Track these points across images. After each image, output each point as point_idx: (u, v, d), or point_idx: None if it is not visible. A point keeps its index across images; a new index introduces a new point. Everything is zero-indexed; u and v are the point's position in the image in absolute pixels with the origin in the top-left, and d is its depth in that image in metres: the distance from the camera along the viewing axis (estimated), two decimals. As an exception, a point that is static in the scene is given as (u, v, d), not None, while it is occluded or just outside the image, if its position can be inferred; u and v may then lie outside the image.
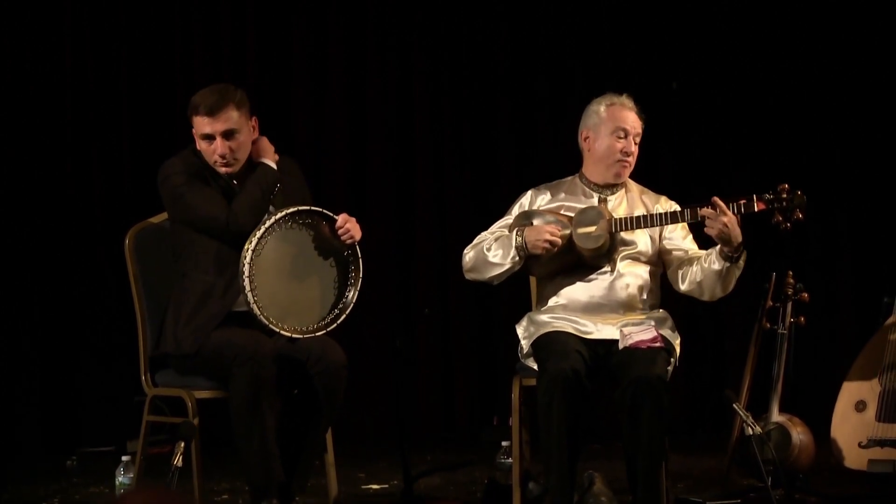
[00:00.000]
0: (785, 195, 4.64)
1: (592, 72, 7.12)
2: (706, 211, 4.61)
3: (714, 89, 7.13)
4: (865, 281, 6.84)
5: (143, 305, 4.87)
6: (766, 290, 5.24)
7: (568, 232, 4.76)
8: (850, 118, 7.06)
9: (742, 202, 4.61)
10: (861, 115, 7.04)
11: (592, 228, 4.76)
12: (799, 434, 5.16)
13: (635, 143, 4.86)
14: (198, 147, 4.72)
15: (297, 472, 4.66)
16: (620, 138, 4.83)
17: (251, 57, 6.97)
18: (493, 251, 4.81)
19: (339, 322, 4.65)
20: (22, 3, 6.71)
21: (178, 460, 4.11)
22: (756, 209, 4.63)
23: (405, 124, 7.16)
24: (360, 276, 4.70)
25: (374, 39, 7.12)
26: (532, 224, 4.82)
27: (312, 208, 4.65)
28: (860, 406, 5.28)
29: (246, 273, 4.49)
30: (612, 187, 4.90)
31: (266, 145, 4.78)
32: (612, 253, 4.78)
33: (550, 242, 4.72)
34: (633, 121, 4.85)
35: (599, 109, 4.87)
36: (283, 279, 4.61)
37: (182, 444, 4.16)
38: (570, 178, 4.99)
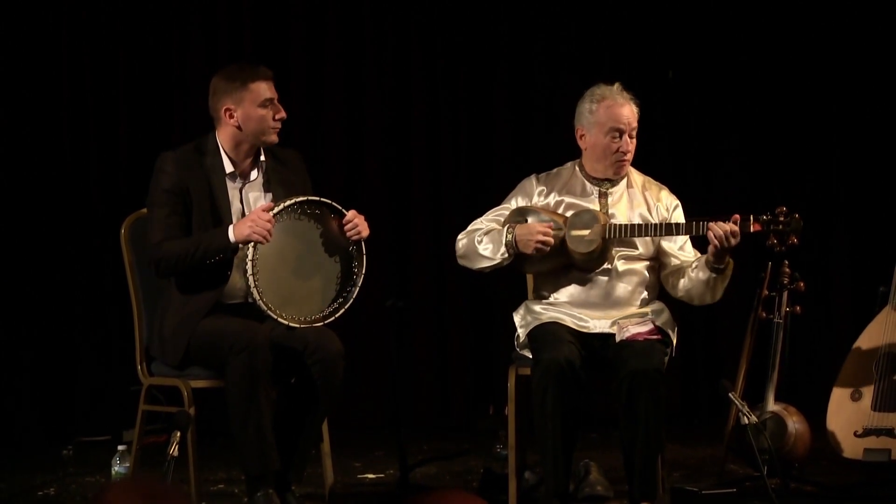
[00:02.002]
0: (782, 218, 4.64)
1: (588, 61, 7.11)
2: (722, 225, 4.58)
3: (711, 78, 7.12)
4: (861, 270, 6.85)
5: (138, 295, 4.89)
6: (762, 280, 5.23)
7: (561, 233, 4.75)
8: (846, 108, 7.06)
9: (736, 219, 4.61)
10: (858, 104, 7.04)
11: (586, 232, 4.74)
12: (795, 423, 5.16)
13: (631, 138, 4.83)
14: (249, 118, 4.67)
15: (294, 461, 4.67)
16: (616, 138, 4.80)
17: (248, 51, 6.96)
18: (483, 244, 4.79)
19: (338, 315, 4.65)
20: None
21: (174, 450, 4.11)
22: (751, 230, 4.62)
23: (401, 117, 7.15)
24: (363, 271, 4.69)
25: (371, 35, 7.11)
26: (526, 221, 4.79)
27: (322, 199, 4.64)
28: (856, 395, 5.28)
29: (249, 256, 4.49)
30: (613, 180, 4.88)
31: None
32: (605, 256, 4.76)
33: (542, 243, 4.70)
34: (627, 116, 4.79)
35: (591, 108, 4.81)
36: (285, 268, 4.61)
37: (178, 434, 4.16)
38: (569, 165, 4.95)
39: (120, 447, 5.03)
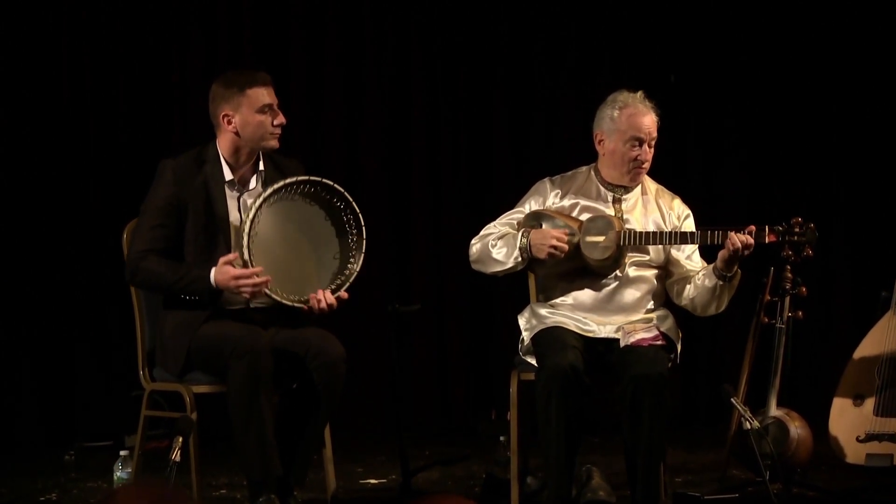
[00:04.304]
0: (797, 229, 4.64)
1: (589, 65, 7.10)
2: (739, 236, 4.58)
3: (710, 79, 7.11)
4: (862, 274, 6.84)
5: (140, 300, 4.88)
6: (764, 285, 5.23)
7: (576, 239, 4.74)
8: (846, 109, 7.05)
9: (752, 230, 4.61)
10: (858, 105, 7.03)
11: (601, 238, 4.73)
12: (797, 428, 5.16)
13: (650, 147, 4.81)
14: (247, 123, 4.65)
15: (296, 466, 4.66)
16: (635, 147, 4.78)
17: (248, 51, 6.96)
18: (497, 248, 4.78)
19: (343, 289, 4.63)
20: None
21: (176, 455, 4.11)
22: (766, 241, 4.63)
23: (401, 117, 7.15)
24: (364, 244, 4.68)
25: (370, 35, 7.10)
26: (541, 226, 4.79)
27: (311, 178, 4.63)
28: (858, 400, 5.29)
29: (245, 243, 4.49)
30: (627, 187, 4.87)
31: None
32: (619, 262, 4.75)
33: (555, 248, 4.69)
34: (648, 126, 4.77)
35: (613, 114, 4.79)
36: (283, 249, 4.62)
37: (180, 439, 4.16)
38: (584, 169, 4.93)
39: (122, 452, 5.03)
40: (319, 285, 4.64)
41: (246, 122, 4.68)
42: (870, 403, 5.26)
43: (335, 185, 4.66)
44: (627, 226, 4.76)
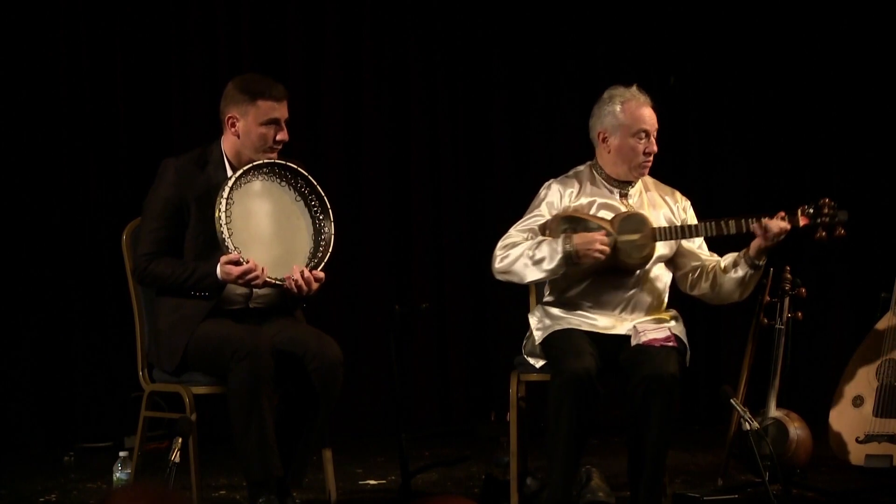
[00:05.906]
0: (827, 210, 4.64)
1: (588, 67, 7.10)
2: (775, 222, 4.57)
3: (710, 78, 7.11)
4: (862, 276, 6.84)
5: (139, 301, 4.88)
6: (764, 286, 5.23)
7: (611, 238, 4.70)
8: (846, 110, 7.05)
9: (783, 216, 4.60)
10: (858, 105, 7.03)
11: (637, 237, 4.68)
12: (796, 429, 5.17)
13: (655, 139, 4.80)
14: (248, 133, 4.65)
15: (295, 467, 4.66)
16: (642, 140, 4.76)
17: (247, 50, 6.95)
18: (536, 258, 4.65)
19: (326, 260, 4.65)
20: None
21: (175, 456, 4.11)
22: (800, 224, 4.62)
23: (401, 117, 7.15)
24: (332, 225, 4.69)
25: (369, 33, 7.10)
26: (574, 230, 4.68)
27: (276, 161, 4.65)
28: (857, 401, 5.29)
29: (229, 245, 4.49)
30: (630, 182, 4.86)
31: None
32: (649, 259, 4.74)
33: (601, 252, 4.65)
34: (650, 118, 4.76)
35: (615, 110, 4.76)
36: (265, 230, 4.63)
37: (180, 440, 4.16)
38: (584, 167, 4.90)
39: (121, 453, 5.02)
40: (300, 263, 4.65)
41: (248, 130, 4.67)
42: (869, 404, 5.27)
43: (296, 166, 4.67)
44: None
